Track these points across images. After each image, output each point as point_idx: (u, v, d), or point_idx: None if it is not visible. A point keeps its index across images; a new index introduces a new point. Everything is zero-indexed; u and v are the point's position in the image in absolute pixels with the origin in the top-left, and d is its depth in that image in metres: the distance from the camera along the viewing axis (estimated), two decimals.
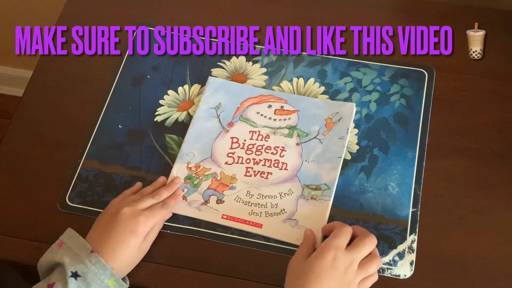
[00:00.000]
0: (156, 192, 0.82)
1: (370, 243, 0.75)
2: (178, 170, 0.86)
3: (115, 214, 0.77)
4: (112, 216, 0.77)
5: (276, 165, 0.86)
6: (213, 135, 0.89)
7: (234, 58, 0.96)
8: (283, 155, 0.87)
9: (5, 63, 1.69)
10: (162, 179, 0.85)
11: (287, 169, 0.86)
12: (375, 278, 0.76)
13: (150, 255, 0.79)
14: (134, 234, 0.76)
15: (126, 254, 0.75)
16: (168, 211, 0.81)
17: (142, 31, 1.00)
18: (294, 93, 0.92)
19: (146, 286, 0.80)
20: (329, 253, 0.73)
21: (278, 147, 0.87)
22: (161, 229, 0.81)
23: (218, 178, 0.86)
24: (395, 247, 0.80)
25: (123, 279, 0.77)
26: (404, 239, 0.80)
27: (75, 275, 0.71)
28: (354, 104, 0.90)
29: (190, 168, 0.87)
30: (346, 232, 0.76)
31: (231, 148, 0.88)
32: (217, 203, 0.84)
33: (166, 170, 0.87)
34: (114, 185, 0.87)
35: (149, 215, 0.78)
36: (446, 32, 0.97)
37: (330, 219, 0.82)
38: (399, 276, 0.78)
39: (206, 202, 0.84)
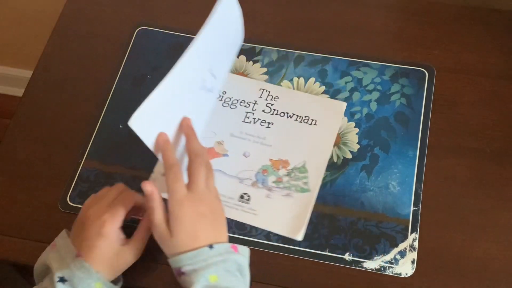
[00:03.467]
0: (117, 183, 0.79)
1: (201, 166, 0.74)
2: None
3: (82, 218, 0.74)
4: (81, 221, 0.75)
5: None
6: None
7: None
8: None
9: (5, 63, 1.69)
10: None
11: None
12: (209, 171, 0.75)
13: (151, 255, 0.79)
14: (100, 235, 0.72)
15: (103, 257, 0.72)
16: (132, 195, 0.76)
17: (142, 31, 1.00)
18: None
19: (146, 286, 0.80)
20: (178, 203, 0.71)
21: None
22: None
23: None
24: (397, 246, 0.80)
25: (117, 279, 0.75)
26: (405, 237, 0.80)
27: (62, 279, 0.70)
28: (345, 103, 0.90)
29: None
30: (177, 179, 0.72)
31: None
32: None
33: None
34: None
35: (113, 211, 0.73)
36: (446, 31, 0.97)
37: (331, 219, 0.82)
38: (400, 274, 0.78)
39: None
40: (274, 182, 0.85)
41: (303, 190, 0.84)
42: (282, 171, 0.86)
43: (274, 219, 0.82)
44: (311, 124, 0.89)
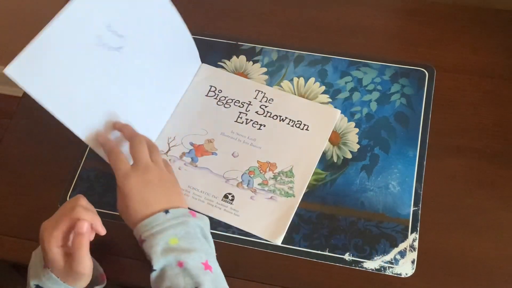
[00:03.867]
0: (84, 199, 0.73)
1: (141, 144, 0.76)
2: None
3: None
4: None
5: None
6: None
7: (234, 57, 0.97)
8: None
9: (5, 63, 1.69)
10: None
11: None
12: (155, 149, 0.78)
13: None
14: (44, 252, 0.69)
15: (55, 271, 0.70)
16: (71, 216, 0.69)
17: None
18: (295, 93, 0.93)
19: (146, 286, 0.80)
20: (127, 184, 0.73)
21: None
22: None
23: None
24: (397, 246, 0.80)
25: (96, 281, 0.75)
26: (405, 237, 0.80)
27: (38, 287, 0.71)
28: (339, 111, 0.90)
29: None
30: (118, 158, 0.75)
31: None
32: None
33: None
34: (115, 185, 0.86)
35: (51, 228, 0.69)
36: (446, 31, 0.97)
37: (331, 219, 0.82)
38: (400, 274, 0.78)
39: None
40: (259, 184, 0.85)
41: (288, 195, 0.84)
42: (269, 174, 0.86)
43: (256, 221, 0.82)
44: (302, 129, 0.89)
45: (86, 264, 0.69)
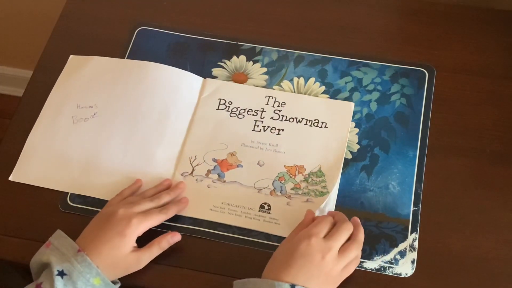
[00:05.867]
0: (157, 196, 0.81)
1: (346, 229, 0.75)
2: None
3: (109, 214, 0.76)
4: (106, 216, 0.76)
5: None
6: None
7: (234, 57, 0.96)
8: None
9: (5, 63, 1.69)
10: (167, 181, 0.84)
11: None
12: (357, 262, 0.76)
13: None
14: (121, 234, 0.74)
15: (112, 254, 0.74)
16: (166, 216, 0.80)
17: (142, 31, 1.00)
18: (295, 92, 0.93)
19: (146, 286, 0.80)
20: (304, 240, 0.72)
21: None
22: (162, 229, 0.81)
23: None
24: (397, 246, 0.80)
25: (115, 281, 0.76)
26: (405, 237, 0.80)
27: (61, 273, 0.71)
28: (353, 103, 0.90)
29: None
30: (326, 221, 0.75)
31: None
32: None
33: None
34: None
35: (143, 219, 0.76)
36: (446, 31, 0.97)
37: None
38: (400, 274, 0.78)
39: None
40: (292, 189, 0.84)
41: (322, 194, 0.83)
42: (299, 177, 0.85)
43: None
44: (321, 127, 0.89)
45: (147, 262, 0.77)
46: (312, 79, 0.93)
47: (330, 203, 0.83)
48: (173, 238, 0.79)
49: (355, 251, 0.75)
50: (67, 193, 0.86)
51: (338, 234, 0.74)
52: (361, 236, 0.76)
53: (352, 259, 0.75)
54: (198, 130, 0.90)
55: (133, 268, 0.76)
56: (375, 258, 0.79)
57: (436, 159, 0.86)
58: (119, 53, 0.98)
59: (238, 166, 0.86)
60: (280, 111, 0.91)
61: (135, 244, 0.76)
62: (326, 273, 0.72)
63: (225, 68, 0.96)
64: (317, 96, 0.92)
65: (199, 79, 0.94)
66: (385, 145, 0.87)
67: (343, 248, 0.74)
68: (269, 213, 0.83)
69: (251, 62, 0.96)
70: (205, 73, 0.95)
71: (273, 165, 0.86)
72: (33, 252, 0.76)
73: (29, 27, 1.50)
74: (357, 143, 0.88)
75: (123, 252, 0.75)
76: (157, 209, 0.79)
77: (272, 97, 0.92)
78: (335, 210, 0.82)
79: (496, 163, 0.86)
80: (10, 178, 0.86)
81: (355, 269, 0.78)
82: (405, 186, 0.84)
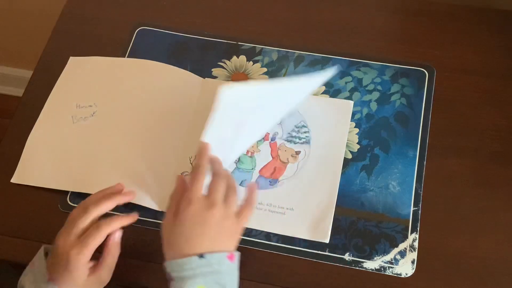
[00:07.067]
0: (97, 204, 0.74)
1: (220, 178, 0.73)
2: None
3: (55, 245, 0.73)
4: (53, 246, 0.74)
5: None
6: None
7: (234, 57, 0.96)
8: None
9: (5, 63, 1.69)
10: (118, 186, 0.78)
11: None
12: (248, 206, 0.74)
13: (151, 255, 0.79)
14: (67, 270, 0.71)
15: (72, 285, 0.72)
16: (109, 229, 0.73)
17: (142, 31, 1.00)
18: None
19: (146, 286, 0.80)
20: (186, 208, 0.70)
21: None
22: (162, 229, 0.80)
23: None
24: (397, 246, 0.80)
25: None
26: (405, 237, 0.80)
27: None
28: (352, 102, 0.90)
29: None
30: (196, 179, 0.72)
31: None
32: None
33: None
34: None
35: (80, 249, 0.71)
36: (446, 31, 0.97)
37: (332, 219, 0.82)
38: (400, 274, 0.78)
39: None
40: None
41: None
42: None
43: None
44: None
45: (112, 271, 0.74)
46: None
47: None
48: (114, 230, 0.74)
49: (234, 196, 0.73)
50: (67, 193, 0.86)
51: (215, 186, 0.72)
52: (232, 181, 0.75)
53: (239, 204, 0.73)
54: (198, 129, 0.90)
55: (101, 286, 0.75)
56: (375, 258, 0.79)
57: (436, 159, 0.86)
58: (119, 53, 0.98)
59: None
60: None
61: (90, 264, 0.73)
62: (223, 227, 0.70)
63: (225, 68, 0.96)
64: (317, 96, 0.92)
65: (199, 79, 0.94)
66: (385, 145, 0.87)
67: (225, 199, 0.72)
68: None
69: (251, 62, 0.96)
70: (205, 73, 0.95)
71: None
72: (33, 252, 0.76)
73: (29, 27, 1.50)
74: (357, 143, 0.88)
75: (80, 282, 0.72)
76: (95, 226, 0.73)
77: None
78: (335, 210, 0.82)
79: (496, 163, 0.86)
80: (12, 181, 0.86)
81: (355, 269, 0.78)
82: (405, 186, 0.84)
